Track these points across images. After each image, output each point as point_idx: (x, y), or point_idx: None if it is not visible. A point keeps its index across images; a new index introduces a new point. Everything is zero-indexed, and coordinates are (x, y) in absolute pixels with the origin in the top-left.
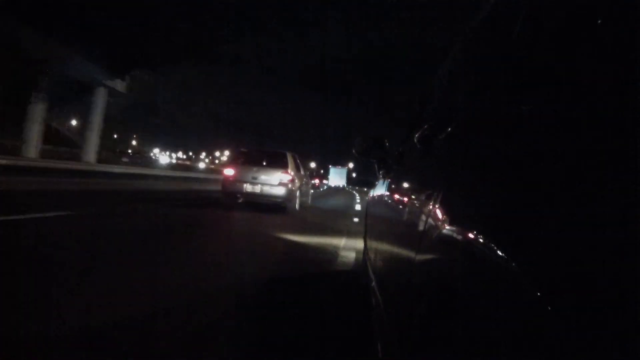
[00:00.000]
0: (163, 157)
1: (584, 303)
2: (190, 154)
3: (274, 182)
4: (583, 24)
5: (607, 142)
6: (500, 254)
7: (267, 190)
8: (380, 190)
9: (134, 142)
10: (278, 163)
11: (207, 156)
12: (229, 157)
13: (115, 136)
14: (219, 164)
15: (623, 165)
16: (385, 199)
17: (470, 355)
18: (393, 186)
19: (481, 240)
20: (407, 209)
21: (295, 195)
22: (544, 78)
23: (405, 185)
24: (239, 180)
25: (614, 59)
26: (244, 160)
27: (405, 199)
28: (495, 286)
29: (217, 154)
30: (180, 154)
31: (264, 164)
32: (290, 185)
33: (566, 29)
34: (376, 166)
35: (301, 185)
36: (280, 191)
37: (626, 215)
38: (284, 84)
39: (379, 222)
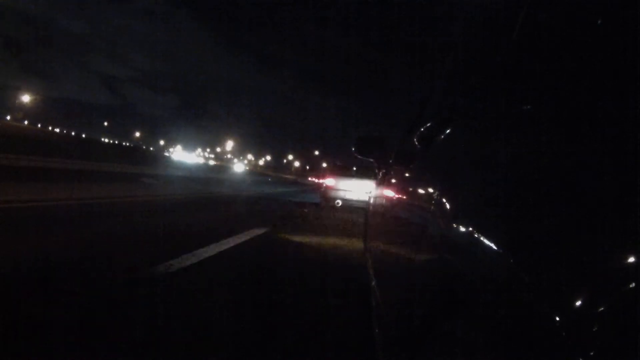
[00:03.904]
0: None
1: (584, 302)
2: (208, 150)
3: (368, 191)
4: (583, 24)
5: (607, 142)
6: (500, 253)
7: (363, 197)
8: (380, 190)
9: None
10: (370, 175)
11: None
12: (325, 168)
13: None
14: (258, 165)
15: (623, 164)
16: (385, 199)
17: (470, 356)
18: (393, 186)
19: (481, 239)
20: (406, 209)
21: None
22: (544, 78)
23: (405, 185)
24: (338, 189)
25: (614, 59)
26: (341, 172)
27: (405, 199)
28: (495, 286)
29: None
30: (199, 152)
31: (358, 176)
32: None
33: (566, 29)
34: (376, 166)
35: None
36: None
37: (626, 214)
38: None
39: (379, 221)
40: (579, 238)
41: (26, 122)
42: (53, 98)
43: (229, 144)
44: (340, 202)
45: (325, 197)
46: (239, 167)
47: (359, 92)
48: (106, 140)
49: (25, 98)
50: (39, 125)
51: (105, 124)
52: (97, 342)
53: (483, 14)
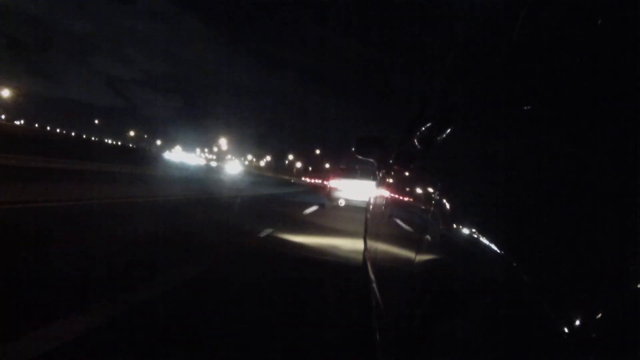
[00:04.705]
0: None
1: (584, 302)
2: (207, 150)
3: (370, 192)
4: (583, 23)
5: (607, 142)
6: (500, 253)
7: (365, 198)
8: (380, 190)
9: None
10: (372, 176)
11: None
12: (329, 170)
13: None
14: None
15: (623, 164)
16: (386, 199)
17: (470, 356)
18: (393, 186)
19: (481, 240)
20: (407, 209)
21: None
22: (544, 78)
23: (405, 185)
24: (341, 190)
25: (614, 58)
26: (344, 174)
27: (405, 199)
28: (495, 286)
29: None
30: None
31: (361, 177)
32: None
33: (566, 29)
34: (376, 166)
35: None
36: None
37: (626, 215)
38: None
39: (379, 222)
40: (579, 238)
41: (22, 122)
42: (54, 98)
43: (230, 145)
44: (344, 202)
45: (330, 198)
46: (234, 167)
47: (359, 92)
48: (95, 139)
49: (5, 93)
50: (36, 125)
51: (96, 121)
52: None
53: (483, 14)
